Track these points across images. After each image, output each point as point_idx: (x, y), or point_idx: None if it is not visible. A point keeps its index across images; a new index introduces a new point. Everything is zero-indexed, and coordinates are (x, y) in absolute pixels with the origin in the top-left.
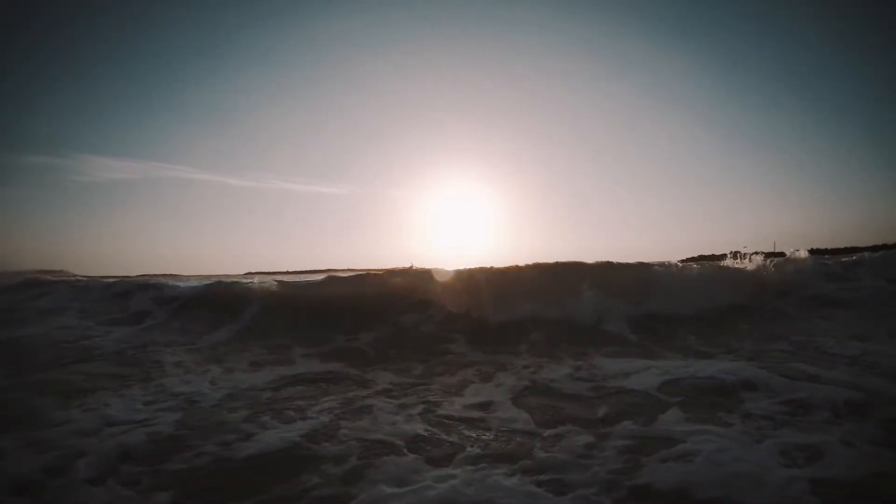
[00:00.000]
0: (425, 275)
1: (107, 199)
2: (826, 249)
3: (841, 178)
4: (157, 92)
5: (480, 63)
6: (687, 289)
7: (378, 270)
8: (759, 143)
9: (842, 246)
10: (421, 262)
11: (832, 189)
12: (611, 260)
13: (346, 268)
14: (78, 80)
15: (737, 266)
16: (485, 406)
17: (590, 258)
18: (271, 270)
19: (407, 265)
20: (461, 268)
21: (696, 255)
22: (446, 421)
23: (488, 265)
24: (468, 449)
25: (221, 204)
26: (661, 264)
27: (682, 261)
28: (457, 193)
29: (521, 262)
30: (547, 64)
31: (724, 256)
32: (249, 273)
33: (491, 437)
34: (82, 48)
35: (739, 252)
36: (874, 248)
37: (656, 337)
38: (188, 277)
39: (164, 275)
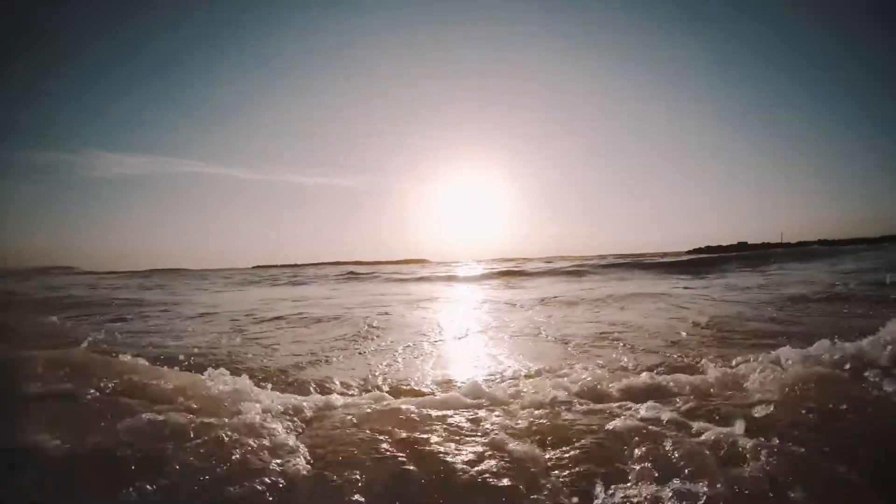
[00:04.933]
0: None
1: (117, 194)
2: (833, 241)
3: (850, 171)
4: (166, 87)
5: (493, 56)
6: None
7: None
8: (767, 134)
9: (849, 237)
10: (431, 253)
11: (840, 181)
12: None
13: (354, 260)
14: (87, 76)
15: None
16: None
17: (599, 248)
18: (280, 263)
19: (418, 257)
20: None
21: (703, 245)
22: None
23: (499, 257)
24: None
25: (231, 197)
26: None
27: (689, 252)
28: (468, 185)
29: (533, 254)
30: (562, 58)
31: (731, 247)
32: (258, 266)
33: None
34: (90, 45)
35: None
36: (882, 240)
37: None
38: (198, 272)
39: (174, 269)
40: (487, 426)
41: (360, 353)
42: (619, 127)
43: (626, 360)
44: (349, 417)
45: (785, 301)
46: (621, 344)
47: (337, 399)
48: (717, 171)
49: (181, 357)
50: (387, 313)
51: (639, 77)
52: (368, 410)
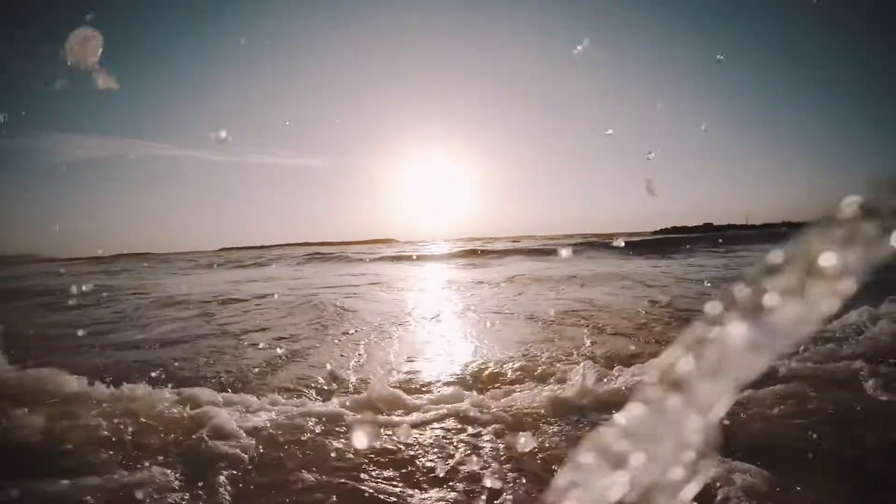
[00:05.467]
0: None
1: (78, 178)
2: (799, 223)
3: (814, 154)
4: (130, 65)
5: (463, 37)
6: None
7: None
8: (732, 115)
9: (813, 219)
10: (398, 233)
11: (804, 164)
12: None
13: (321, 241)
14: (43, 55)
15: None
16: None
17: (566, 228)
18: (247, 245)
19: (385, 237)
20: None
21: (669, 226)
22: None
23: (467, 236)
24: None
25: (198, 179)
26: None
27: (656, 232)
28: (436, 165)
29: (500, 234)
30: (534, 40)
31: (697, 228)
32: (224, 248)
33: None
34: (45, 20)
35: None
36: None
37: None
38: (164, 256)
39: (139, 254)
40: (452, 477)
41: (323, 344)
42: (588, 109)
43: (598, 346)
44: (287, 462)
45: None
46: (591, 326)
47: (281, 424)
48: (684, 153)
49: (137, 359)
50: (354, 295)
51: (610, 60)
52: (310, 447)
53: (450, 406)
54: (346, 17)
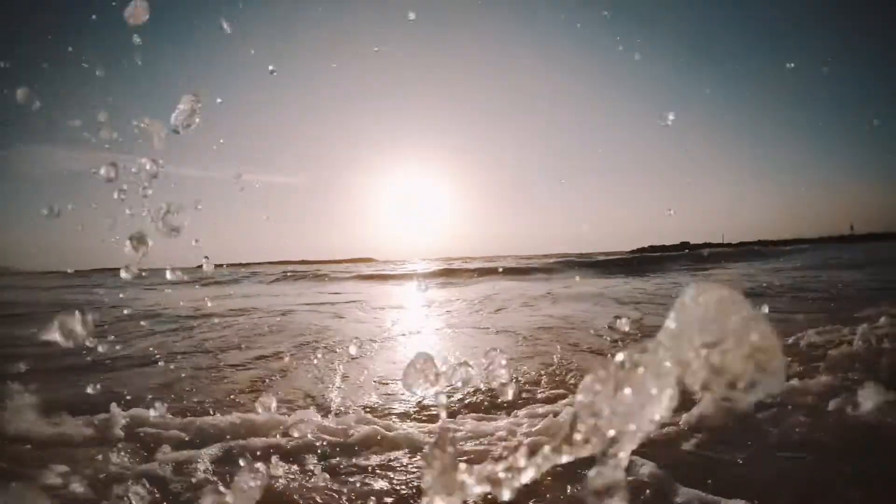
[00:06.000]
0: None
1: (57, 192)
2: (772, 241)
3: (789, 173)
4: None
5: (439, 49)
6: None
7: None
8: (708, 134)
9: (788, 237)
10: (376, 252)
11: (780, 182)
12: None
13: (300, 259)
14: (14, 65)
15: None
16: None
17: (544, 248)
18: (224, 262)
19: (364, 255)
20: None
21: (646, 245)
22: None
23: (445, 255)
24: None
25: (174, 196)
26: None
27: (633, 251)
28: (414, 183)
29: (479, 253)
30: (509, 53)
31: (674, 247)
32: (200, 266)
33: None
34: (17, 25)
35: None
36: (819, 241)
37: None
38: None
39: (115, 268)
40: None
41: (296, 364)
42: (564, 128)
43: (573, 364)
44: None
45: None
46: (566, 345)
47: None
48: (655, 168)
49: (105, 389)
50: (331, 314)
51: (587, 76)
52: None
53: (424, 438)
54: (321, 32)
